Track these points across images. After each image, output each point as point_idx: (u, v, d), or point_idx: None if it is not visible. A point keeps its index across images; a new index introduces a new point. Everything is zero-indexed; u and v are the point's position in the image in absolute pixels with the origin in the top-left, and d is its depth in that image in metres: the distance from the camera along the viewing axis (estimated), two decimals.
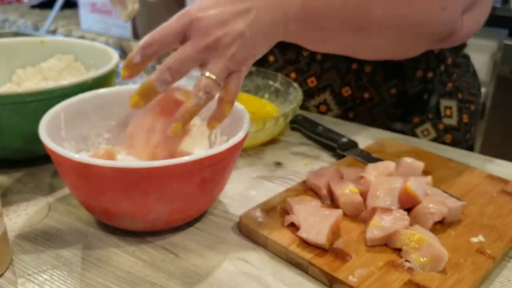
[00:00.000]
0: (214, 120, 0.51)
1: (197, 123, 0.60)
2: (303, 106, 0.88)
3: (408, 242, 0.47)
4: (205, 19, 0.49)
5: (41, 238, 0.51)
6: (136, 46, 0.49)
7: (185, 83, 0.52)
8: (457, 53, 0.87)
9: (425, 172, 0.62)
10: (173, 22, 0.49)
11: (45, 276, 0.46)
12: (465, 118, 0.89)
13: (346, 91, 0.86)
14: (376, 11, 0.54)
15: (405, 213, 0.50)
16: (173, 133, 0.49)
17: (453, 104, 0.87)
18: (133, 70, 0.51)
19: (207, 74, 0.48)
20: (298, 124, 0.76)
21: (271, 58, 0.90)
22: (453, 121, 0.87)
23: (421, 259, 0.46)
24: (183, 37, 0.49)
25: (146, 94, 0.50)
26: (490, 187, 0.59)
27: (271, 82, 0.82)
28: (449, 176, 0.60)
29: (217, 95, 0.51)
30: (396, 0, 0.55)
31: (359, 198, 0.52)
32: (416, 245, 0.47)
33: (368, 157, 0.65)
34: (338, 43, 0.55)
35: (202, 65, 0.49)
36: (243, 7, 0.50)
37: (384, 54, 0.60)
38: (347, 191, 0.53)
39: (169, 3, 0.83)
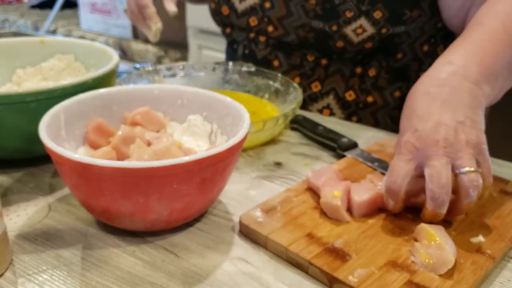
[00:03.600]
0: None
1: (198, 123, 0.60)
2: (305, 110, 0.88)
3: (425, 238, 0.48)
4: (423, 136, 0.51)
5: (41, 238, 0.51)
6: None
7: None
8: None
9: None
10: (403, 165, 0.51)
11: (45, 276, 0.46)
12: None
13: (349, 95, 0.86)
14: None
15: None
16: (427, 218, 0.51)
17: None
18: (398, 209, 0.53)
19: (463, 170, 0.49)
20: (298, 124, 0.76)
21: (276, 63, 0.90)
22: None
23: (427, 258, 0.46)
24: (419, 168, 0.51)
25: (436, 214, 0.50)
26: (490, 187, 0.59)
27: (271, 82, 0.82)
28: None
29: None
30: None
31: (337, 203, 0.52)
32: (429, 243, 0.47)
33: (368, 157, 0.65)
34: (503, 89, 0.61)
35: (453, 169, 0.50)
36: (441, 101, 0.53)
37: None
38: (329, 194, 0.53)
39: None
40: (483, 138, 0.52)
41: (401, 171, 0.51)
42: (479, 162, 0.51)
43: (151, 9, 0.81)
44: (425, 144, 0.51)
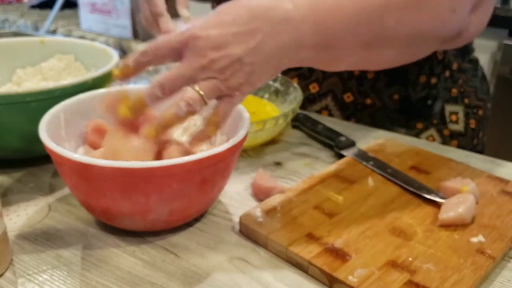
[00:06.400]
0: (197, 140, 0.50)
1: (198, 123, 0.60)
2: (304, 111, 0.88)
3: None
4: (203, 39, 0.46)
5: (41, 238, 0.51)
6: (136, 48, 0.48)
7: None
8: (463, 58, 0.86)
9: (425, 172, 0.62)
10: (173, 36, 0.47)
11: (45, 276, 0.46)
12: (473, 123, 0.88)
13: (348, 97, 0.86)
14: (389, 23, 0.53)
15: None
16: (144, 136, 0.47)
17: (459, 109, 0.86)
18: (125, 73, 0.49)
19: (196, 88, 0.47)
20: (299, 122, 0.76)
21: None
22: (459, 127, 0.87)
23: None
24: (179, 53, 0.48)
25: (136, 107, 0.48)
26: (490, 187, 0.59)
27: (271, 82, 0.82)
28: (449, 176, 0.60)
29: (203, 116, 0.49)
30: (406, 9, 0.54)
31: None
32: None
33: (364, 156, 0.65)
34: (350, 61, 0.55)
35: (194, 83, 0.47)
36: (247, 29, 0.47)
37: (395, 63, 0.60)
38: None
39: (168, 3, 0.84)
40: (246, 91, 0.48)
41: (167, 41, 0.47)
42: (220, 104, 0.48)
43: (166, 17, 0.80)
44: (196, 47, 0.46)
